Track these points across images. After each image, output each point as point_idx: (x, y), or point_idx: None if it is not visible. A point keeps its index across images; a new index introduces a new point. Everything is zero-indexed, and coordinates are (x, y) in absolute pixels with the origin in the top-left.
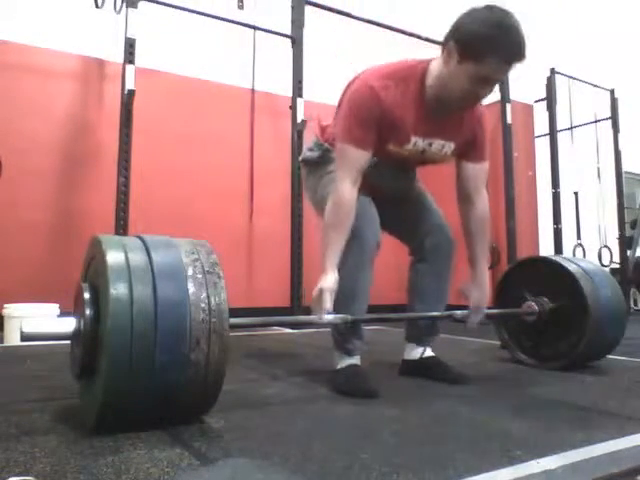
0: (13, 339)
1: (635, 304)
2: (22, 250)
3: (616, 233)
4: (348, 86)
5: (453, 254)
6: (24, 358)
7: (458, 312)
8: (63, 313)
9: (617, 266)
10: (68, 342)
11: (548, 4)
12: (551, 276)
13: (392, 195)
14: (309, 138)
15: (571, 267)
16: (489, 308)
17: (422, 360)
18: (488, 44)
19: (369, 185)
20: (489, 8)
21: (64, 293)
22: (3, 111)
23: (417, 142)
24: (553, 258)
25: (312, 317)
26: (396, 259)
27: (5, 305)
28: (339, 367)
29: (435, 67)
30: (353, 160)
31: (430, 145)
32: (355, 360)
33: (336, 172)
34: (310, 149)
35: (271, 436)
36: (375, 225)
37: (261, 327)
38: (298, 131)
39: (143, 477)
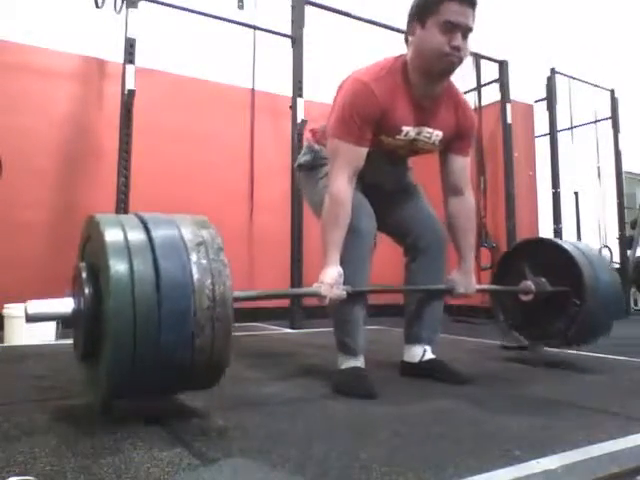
0: (13, 339)
1: (635, 304)
2: (22, 250)
3: (616, 233)
4: (339, 89)
5: (445, 252)
6: (24, 358)
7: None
8: None
9: (617, 266)
10: (68, 342)
11: (548, 4)
12: (550, 257)
13: (386, 189)
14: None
15: (570, 249)
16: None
17: (422, 364)
18: None
19: (363, 179)
20: None
21: (64, 293)
22: (3, 111)
23: (408, 132)
24: (554, 240)
25: (313, 289)
26: (397, 257)
27: (5, 305)
28: (341, 367)
29: (409, 52)
30: (349, 157)
31: (419, 134)
32: (358, 362)
33: (330, 168)
34: (303, 154)
35: (271, 436)
36: (371, 219)
37: (263, 299)
38: (298, 131)
39: (143, 477)
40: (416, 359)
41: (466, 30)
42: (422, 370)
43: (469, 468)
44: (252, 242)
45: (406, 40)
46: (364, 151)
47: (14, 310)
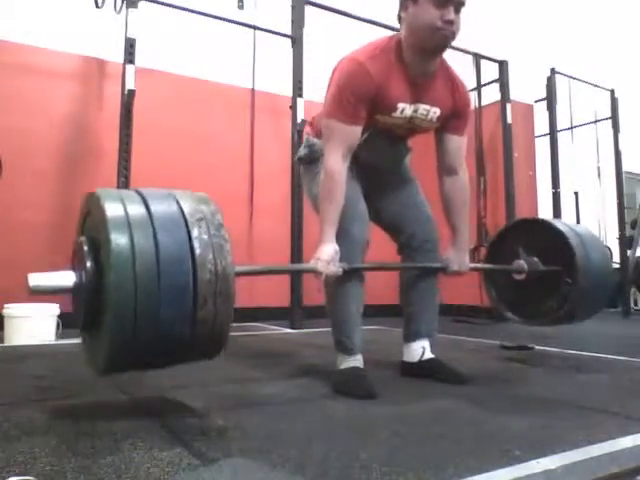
0: (13, 339)
1: (635, 304)
2: (22, 250)
3: (616, 233)
4: (334, 70)
5: (437, 251)
6: (24, 358)
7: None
8: (63, 313)
9: (617, 266)
10: (68, 342)
11: (548, 4)
12: (544, 237)
13: (382, 172)
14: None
15: (564, 229)
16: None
17: (421, 363)
18: None
19: (359, 159)
20: None
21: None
22: (3, 111)
23: (404, 109)
24: (547, 220)
25: (310, 265)
26: (391, 259)
27: (5, 305)
28: (340, 367)
29: (403, 30)
30: (344, 135)
31: (416, 111)
32: (357, 362)
33: (324, 147)
34: (302, 147)
35: (271, 436)
36: (363, 223)
37: (265, 274)
38: (298, 131)
39: (143, 477)
40: (415, 358)
41: (458, 4)
42: (422, 370)
43: (469, 468)
44: (252, 244)
45: (399, 18)
46: (358, 130)
47: (14, 310)
